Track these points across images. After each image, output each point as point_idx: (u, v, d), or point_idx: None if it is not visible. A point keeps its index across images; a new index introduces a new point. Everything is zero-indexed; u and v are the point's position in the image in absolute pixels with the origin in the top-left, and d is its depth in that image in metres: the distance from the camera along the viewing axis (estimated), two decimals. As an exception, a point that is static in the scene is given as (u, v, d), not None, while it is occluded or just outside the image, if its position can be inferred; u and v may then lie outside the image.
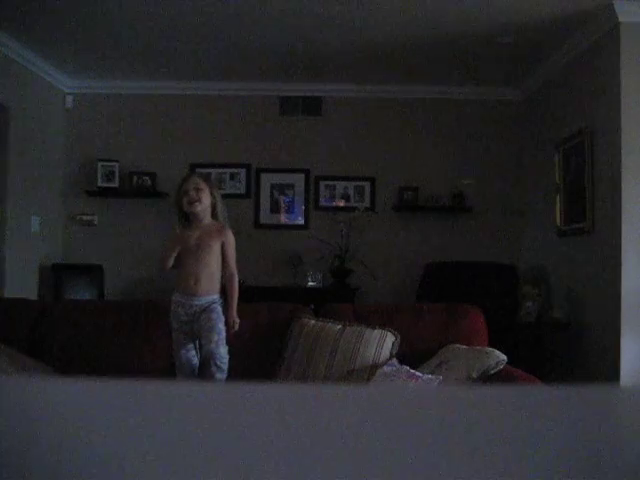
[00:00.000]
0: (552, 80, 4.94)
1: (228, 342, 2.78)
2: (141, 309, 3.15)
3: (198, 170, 5.60)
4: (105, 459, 0.32)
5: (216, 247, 2.84)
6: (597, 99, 4.13)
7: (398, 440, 0.36)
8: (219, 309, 2.83)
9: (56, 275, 5.16)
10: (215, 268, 2.84)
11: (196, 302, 2.80)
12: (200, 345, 2.82)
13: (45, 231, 5.27)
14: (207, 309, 2.80)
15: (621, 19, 3.79)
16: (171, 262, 2.87)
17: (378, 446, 0.35)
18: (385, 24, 4.21)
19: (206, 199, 2.85)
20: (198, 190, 2.83)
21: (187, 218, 2.89)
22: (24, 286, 4.91)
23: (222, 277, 2.87)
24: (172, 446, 0.34)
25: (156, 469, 0.31)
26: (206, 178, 3.01)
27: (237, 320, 2.83)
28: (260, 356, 2.93)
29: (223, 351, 2.74)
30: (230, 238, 2.87)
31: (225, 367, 2.73)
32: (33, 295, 5.01)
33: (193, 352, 2.84)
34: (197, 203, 2.82)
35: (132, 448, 0.34)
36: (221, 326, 2.78)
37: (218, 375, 2.69)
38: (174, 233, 2.91)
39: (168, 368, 2.99)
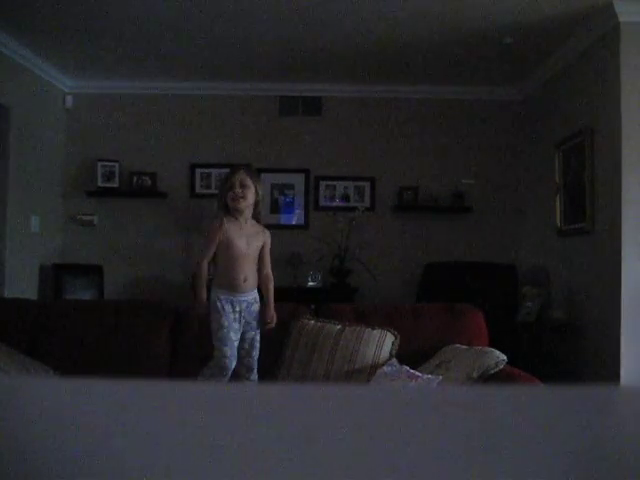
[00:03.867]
0: (552, 80, 4.94)
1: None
2: (141, 309, 3.15)
3: (199, 171, 5.61)
4: (105, 459, 0.32)
5: (259, 248, 2.89)
6: (597, 99, 4.13)
7: (398, 440, 0.36)
8: (258, 314, 2.93)
9: (56, 275, 5.15)
10: (256, 268, 2.90)
11: (244, 298, 2.84)
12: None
13: (45, 231, 5.27)
14: (252, 310, 2.86)
15: (621, 19, 3.78)
16: (211, 254, 2.85)
17: (378, 446, 0.35)
18: (385, 24, 4.21)
19: (251, 197, 2.82)
20: (244, 187, 2.79)
21: (229, 211, 2.85)
22: (24, 286, 4.90)
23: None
24: (172, 446, 0.34)
25: (156, 469, 0.31)
26: (253, 174, 2.92)
27: (274, 319, 2.91)
28: (260, 356, 2.93)
29: (256, 365, 2.92)
30: (269, 241, 2.93)
31: (255, 377, 2.91)
32: (33, 295, 5.01)
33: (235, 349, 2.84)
34: (242, 199, 2.79)
35: (132, 448, 0.34)
36: (258, 337, 2.90)
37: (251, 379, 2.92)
38: (221, 226, 2.80)
39: (168, 368, 2.99)
